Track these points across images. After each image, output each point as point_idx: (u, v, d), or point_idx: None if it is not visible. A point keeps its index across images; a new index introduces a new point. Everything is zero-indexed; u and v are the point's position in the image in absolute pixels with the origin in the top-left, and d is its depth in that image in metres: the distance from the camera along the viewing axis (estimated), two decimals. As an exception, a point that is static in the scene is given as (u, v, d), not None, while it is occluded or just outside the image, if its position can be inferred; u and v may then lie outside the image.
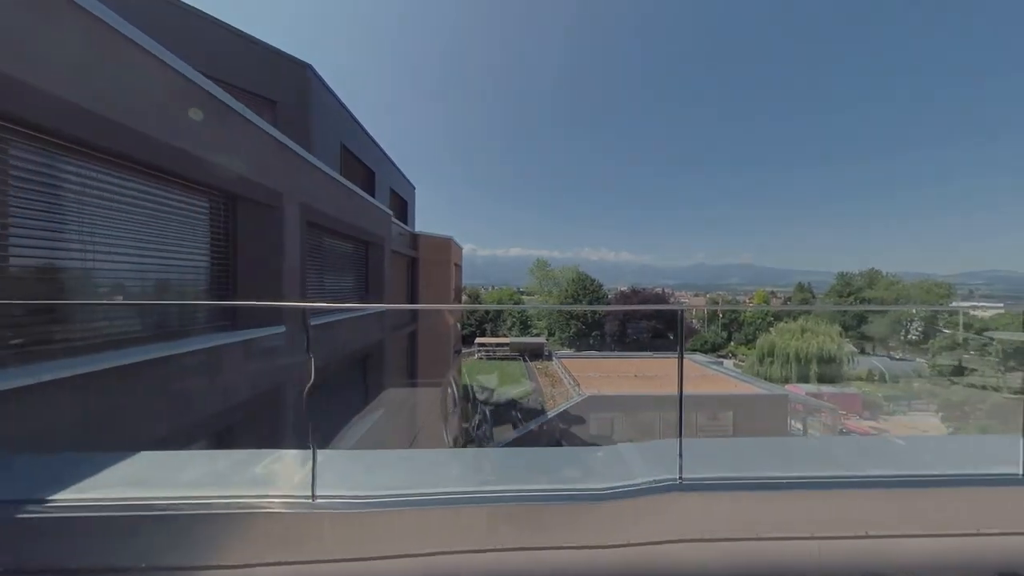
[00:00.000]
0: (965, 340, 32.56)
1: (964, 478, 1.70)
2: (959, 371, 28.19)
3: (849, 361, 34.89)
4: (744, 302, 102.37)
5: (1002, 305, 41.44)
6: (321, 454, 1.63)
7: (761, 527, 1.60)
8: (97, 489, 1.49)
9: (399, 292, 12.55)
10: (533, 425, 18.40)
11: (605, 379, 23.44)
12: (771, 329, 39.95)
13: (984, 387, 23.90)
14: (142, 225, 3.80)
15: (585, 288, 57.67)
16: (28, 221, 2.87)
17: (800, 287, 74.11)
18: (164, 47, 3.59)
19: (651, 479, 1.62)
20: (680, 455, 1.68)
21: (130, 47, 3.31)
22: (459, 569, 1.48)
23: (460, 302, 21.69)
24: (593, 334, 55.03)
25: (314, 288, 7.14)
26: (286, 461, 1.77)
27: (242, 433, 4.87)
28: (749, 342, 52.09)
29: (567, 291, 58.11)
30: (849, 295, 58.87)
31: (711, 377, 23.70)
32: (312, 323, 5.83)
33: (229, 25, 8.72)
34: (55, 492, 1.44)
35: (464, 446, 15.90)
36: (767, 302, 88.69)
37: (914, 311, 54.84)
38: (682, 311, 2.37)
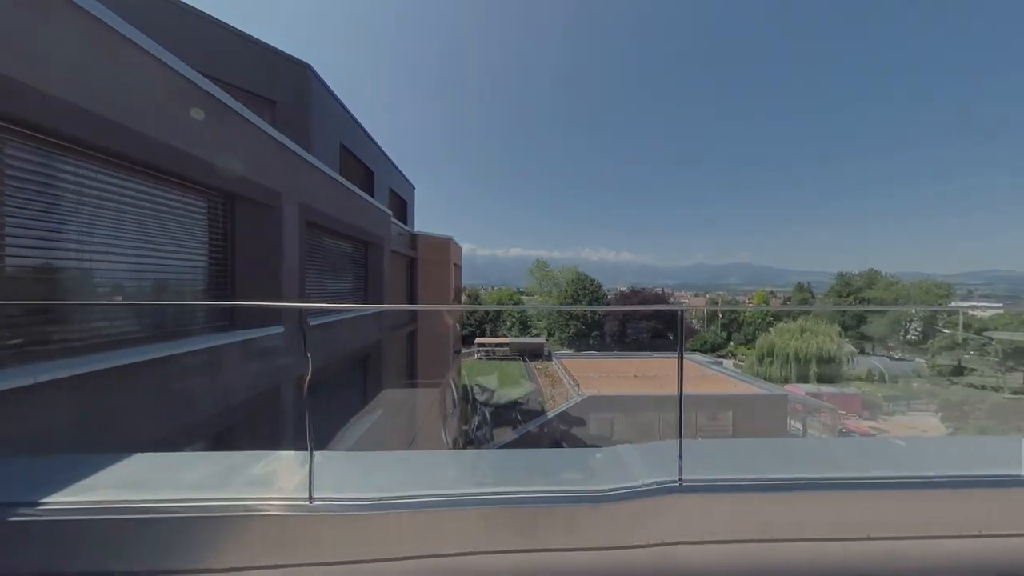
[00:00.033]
0: (964, 340, 32.61)
1: (965, 479, 1.69)
2: (958, 371, 28.25)
3: (848, 361, 34.96)
4: (744, 302, 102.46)
5: (1001, 305, 41.45)
6: (319, 456, 1.62)
7: (763, 529, 1.59)
8: (93, 491, 1.48)
9: (398, 292, 12.53)
10: (533, 426, 18.40)
11: (605, 379, 23.46)
12: (771, 329, 40.02)
13: (983, 387, 23.94)
14: (140, 225, 3.78)
15: (585, 288, 57.71)
16: (25, 221, 2.86)
17: (799, 287, 74.22)
18: (162, 47, 3.58)
19: (651, 481, 1.61)
20: (680, 456, 1.67)
21: (128, 47, 3.30)
22: (458, 572, 1.47)
23: (459, 302, 21.65)
24: (593, 334, 55.05)
25: (313, 288, 7.13)
26: (283, 463, 1.76)
27: (241, 433, 4.86)
28: (749, 342, 52.14)
29: (567, 291, 58.14)
30: (848, 295, 58.95)
31: (711, 377, 23.72)
32: (311, 323, 5.83)
33: (228, 24, 8.70)
34: (50, 494, 1.43)
35: (463, 447, 15.88)
36: (766, 302, 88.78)
37: (913, 311, 54.89)
38: (682, 311, 2.37)
